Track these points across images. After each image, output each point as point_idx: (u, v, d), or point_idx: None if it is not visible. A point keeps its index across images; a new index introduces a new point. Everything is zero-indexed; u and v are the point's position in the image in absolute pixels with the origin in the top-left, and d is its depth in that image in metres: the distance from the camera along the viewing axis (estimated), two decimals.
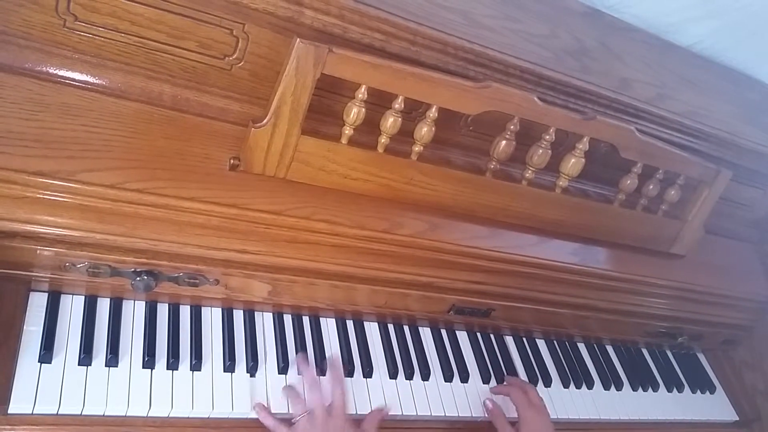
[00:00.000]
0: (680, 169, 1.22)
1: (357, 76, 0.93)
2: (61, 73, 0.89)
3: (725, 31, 1.44)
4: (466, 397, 1.17)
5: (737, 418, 1.51)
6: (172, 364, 0.96)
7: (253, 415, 0.98)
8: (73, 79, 0.90)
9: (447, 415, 1.13)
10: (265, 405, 0.99)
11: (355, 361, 1.12)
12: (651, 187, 1.23)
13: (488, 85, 1.00)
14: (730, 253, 1.48)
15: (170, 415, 0.93)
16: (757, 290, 1.49)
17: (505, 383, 1.22)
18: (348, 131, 0.99)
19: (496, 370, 1.25)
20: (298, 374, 1.05)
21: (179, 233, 0.91)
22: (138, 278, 0.93)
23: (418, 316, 1.21)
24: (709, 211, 1.30)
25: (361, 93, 0.95)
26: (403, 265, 1.08)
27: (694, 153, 1.22)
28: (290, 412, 0.99)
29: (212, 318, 1.05)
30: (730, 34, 1.44)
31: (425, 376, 1.16)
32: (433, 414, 1.12)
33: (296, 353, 1.07)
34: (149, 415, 0.91)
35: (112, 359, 0.92)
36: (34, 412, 0.85)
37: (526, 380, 1.26)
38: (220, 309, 1.06)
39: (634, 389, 1.40)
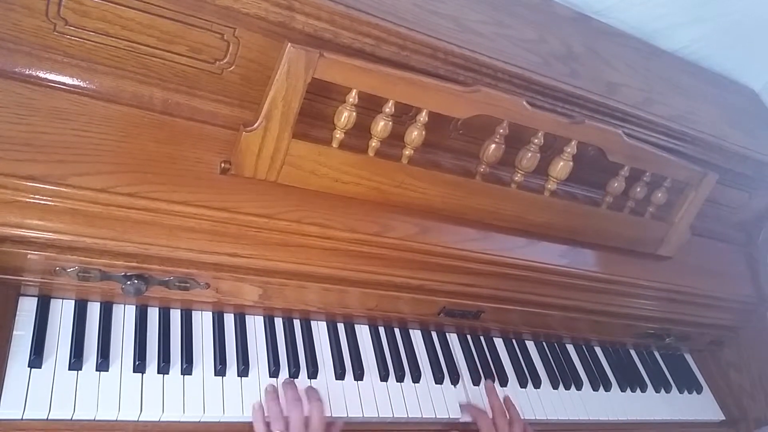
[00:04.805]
0: (667, 172, 1.23)
1: (348, 81, 0.94)
2: (51, 77, 0.89)
3: (711, 36, 1.46)
4: (457, 400, 1.18)
5: (723, 418, 1.52)
6: (163, 368, 0.96)
7: (244, 418, 0.98)
8: (64, 83, 0.90)
9: (438, 417, 1.14)
10: (262, 408, 0.99)
11: (347, 364, 1.12)
12: (638, 189, 1.25)
13: (477, 90, 1.01)
14: (716, 255, 1.50)
15: (161, 420, 0.93)
16: (743, 291, 1.51)
17: (484, 403, 1.19)
18: (339, 135, 0.99)
19: (487, 371, 1.25)
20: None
21: (170, 237, 0.91)
22: (128, 282, 0.92)
23: (408, 319, 1.22)
24: (696, 213, 1.31)
25: (352, 97, 0.96)
26: (394, 268, 1.09)
27: (680, 156, 1.24)
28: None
29: (203, 322, 1.05)
30: (716, 39, 1.47)
31: (416, 378, 1.17)
32: (424, 416, 1.13)
33: (287, 356, 1.07)
34: (140, 419, 0.91)
35: (103, 363, 0.92)
36: (24, 417, 0.84)
37: (517, 382, 1.27)
38: (211, 313, 1.06)
39: (623, 390, 1.41)
